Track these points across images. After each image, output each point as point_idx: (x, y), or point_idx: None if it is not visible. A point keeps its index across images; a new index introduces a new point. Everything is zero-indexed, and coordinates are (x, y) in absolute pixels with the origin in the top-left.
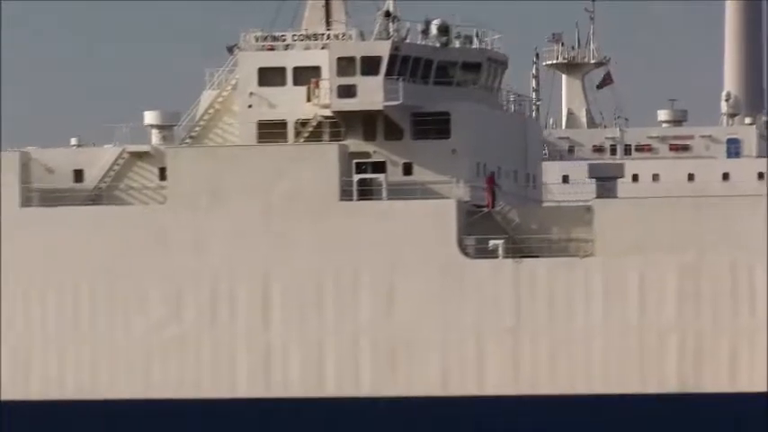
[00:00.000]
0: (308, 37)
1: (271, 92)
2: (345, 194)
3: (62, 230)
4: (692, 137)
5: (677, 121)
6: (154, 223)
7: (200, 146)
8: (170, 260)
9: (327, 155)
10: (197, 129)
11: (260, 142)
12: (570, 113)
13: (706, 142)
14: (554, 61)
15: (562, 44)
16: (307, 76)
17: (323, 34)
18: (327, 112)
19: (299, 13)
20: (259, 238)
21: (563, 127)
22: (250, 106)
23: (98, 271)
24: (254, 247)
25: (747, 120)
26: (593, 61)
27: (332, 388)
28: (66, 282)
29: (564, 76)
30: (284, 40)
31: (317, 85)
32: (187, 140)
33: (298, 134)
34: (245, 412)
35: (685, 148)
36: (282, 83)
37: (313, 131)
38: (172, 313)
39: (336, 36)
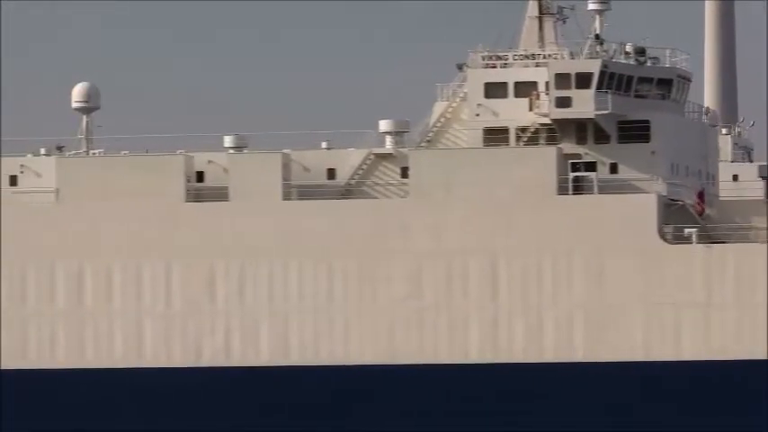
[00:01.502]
0: (526, 56)
1: (495, 103)
2: (562, 189)
3: (318, 220)
4: None
5: None
6: (397, 214)
7: (438, 148)
8: (411, 244)
9: (547, 156)
10: (430, 134)
11: (485, 145)
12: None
13: None
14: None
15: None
16: (525, 89)
17: (539, 54)
18: (545, 120)
19: (517, 35)
20: (487, 225)
21: None
22: (477, 115)
23: (349, 253)
24: (484, 233)
25: (724, 131)
26: None
27: (550, 354)
28: (322, 262)
29: None
30: (506, 59)
31: (538, 97)
32: (422, 144)
33: (518, 138)
34: (475, 375)
35: None
36: (505, 95)
37: (531, 136)
38: (413, 289)
39: (551, 56)
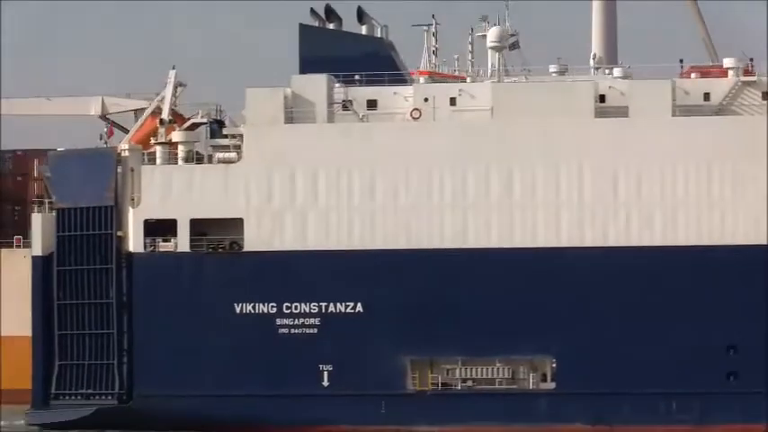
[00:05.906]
0: None
1: None
2: None
3: (698, 132)
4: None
5: (561, 71)
6: (762, 127)
7: None
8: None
9: None
10: None
11: None
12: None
13: None
14: (482, 34)
15: (488, 23)
16: None
17: None
18: None
19: None
20: None
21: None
22: None
23: (726, 157)
24: None
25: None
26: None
27: None
28: (703, 165)
29: None
30: None
31: None
32: None
33: None
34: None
35: None
36: None
37: None
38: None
39: None
